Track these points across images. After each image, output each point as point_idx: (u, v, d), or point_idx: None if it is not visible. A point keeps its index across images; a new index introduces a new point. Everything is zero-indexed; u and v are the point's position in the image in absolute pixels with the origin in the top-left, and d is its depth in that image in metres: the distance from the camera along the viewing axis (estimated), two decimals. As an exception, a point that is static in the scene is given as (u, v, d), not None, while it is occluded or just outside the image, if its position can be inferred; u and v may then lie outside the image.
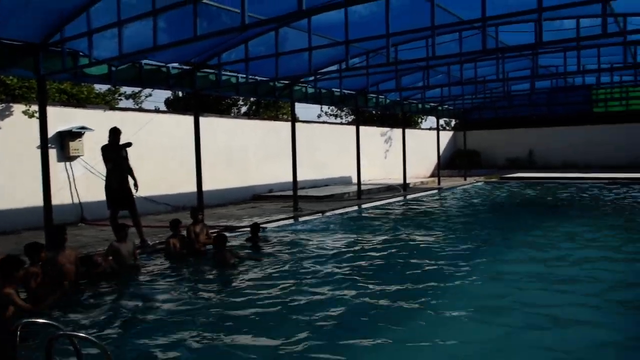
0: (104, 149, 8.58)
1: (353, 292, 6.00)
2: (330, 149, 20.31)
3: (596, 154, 26.93)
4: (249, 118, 19.14)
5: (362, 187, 17.00)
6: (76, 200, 11.72)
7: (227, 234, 8.36)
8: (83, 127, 11.74)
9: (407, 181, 19.44)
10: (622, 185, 18.44)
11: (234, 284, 6.77)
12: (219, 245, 7.67)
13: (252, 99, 25.58)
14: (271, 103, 26.18)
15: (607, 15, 9.23)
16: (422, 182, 22.00)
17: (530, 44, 8.94)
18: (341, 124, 23.59)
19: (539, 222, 11.14)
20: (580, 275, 6.68)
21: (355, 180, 16.57)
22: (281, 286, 6.38)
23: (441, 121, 35.98)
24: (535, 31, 8.18)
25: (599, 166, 26.16)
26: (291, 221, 11.48)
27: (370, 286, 6.27)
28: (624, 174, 21.75)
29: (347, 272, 7.10)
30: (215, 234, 8.47)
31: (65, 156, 11.64)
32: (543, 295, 5.91)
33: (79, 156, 11.84)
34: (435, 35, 8.68)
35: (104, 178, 8.80)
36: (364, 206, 14.27)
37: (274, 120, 19.92)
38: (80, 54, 8.85)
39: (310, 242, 9.29)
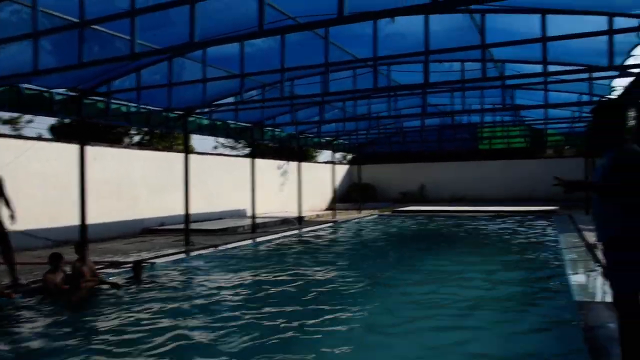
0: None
1: (243, 328, 5.80)
2: (225, 182, 20.01)
3: (482, 188, 28.65)
4: (141, 148, 18.47)
5: (258, 220, 16.82)
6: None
7: (112, 270, 7.87)
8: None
9: (303, 214, 19.52)
10: (504, 217, 19.65)
11: (114, 322, 6.30)
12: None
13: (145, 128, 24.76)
14: (165, 133, 25.50)
15: (487, 61, 9.96)
16: (317, 215, 22.18)
17: (419, 84, 9.37)
18: (237, 156, 23.40)
19: (426, 253, 11.51)
20: (456, 299, 7.00)
21: (250, 213, 16.36)
22: (166, 324, 6.04)
23: (338, 155, 36.88)
24: (424, 72, 8.57)
25: (484, 200, 27.84)
26: (182, 256, 11.05)
27: (263, 321, 6.10)
28: (506, 207, 23.24)
29: (238, 306, 6.89)
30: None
31: None
32: (428, 322, 6.06)
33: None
34: (329, 72, 8.84)
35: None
36: (258, 240, 14.08)
37: (168, 151, 19.35)
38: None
39: (201, 277, 8.96)
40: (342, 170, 31.40)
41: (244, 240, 13.70)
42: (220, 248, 12.17)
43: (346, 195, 29.99)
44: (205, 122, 14.07)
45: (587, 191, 3.85)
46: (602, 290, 7.03)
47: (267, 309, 6.74)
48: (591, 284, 7.60)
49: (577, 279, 7.91)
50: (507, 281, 8.44)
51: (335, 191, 23.77)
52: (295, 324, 6.01)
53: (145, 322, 6.27)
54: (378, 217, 21.50)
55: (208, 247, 12.01)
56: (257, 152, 17.39)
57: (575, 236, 12.83)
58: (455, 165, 29.85)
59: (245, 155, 23.49)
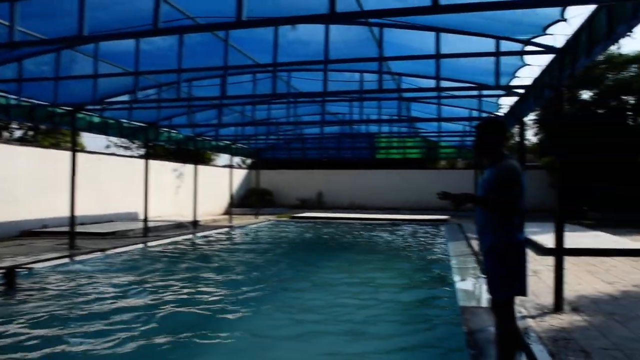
0: None
1: (127, 338, 5.52)
2: (118, 183, 19.13)
3: (379, 196, 29.49)
4: (24, 144, 17.17)
5: (151, 224, 16.21)
6: None
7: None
8: None
9: (198, 218, 19.07)
10: (398, 225, 20.33)
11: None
12: None
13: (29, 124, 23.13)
14: (52, 130, 23.97)
15: (384, 73, 10.26)
16: (213, 220, 21.77)
17: (318, 92, 9.48)
18: (131, 156, 22.45)
19: (320, 260, 11.60)
20: (348, 304, 7.11)
21: (142, 216, 15.73)
22: (40, 334, 5.62)
23: (237, 159, 36.50)
24: (324, 80, 8.68)
25: (381, 208, 28.70)
26: (65, 260, 10.37)
27: (148, 328, 5.85)
28: (401, 215, 24.10)
29: (124, 314, 6.56)
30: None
31: None
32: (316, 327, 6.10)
33: None
34: (227, 75, 8.70)
35: None
36: (150, 244, 13.55)
37: (54, 148, 18.17)
38: None
39: (84, 284, 8.45)
40: (240, 174, 31.11)
41: (135, 244, 13.12)
42: (108, 253, 11.57)
43: (244, 200, 29.74)
44: (97, 119, 13.36)
45: (472, 204, 4.04)
46: (484, 296, 7.45)
47: (153, 317, 6.48)
48: (475, 289, 8.01)
49: (462, 285, 8.32)
50: (397, 286, 8.70)
51: (232, 196, 23.43)
52: (182, 332, 5.82)
53: (17, 334, 5.79)
54: (275, 223, 21.47)
55: (95, 252, 11.38)
56: (153, 153, 16.82)
57: (464, 244, 13.53)
58: (353, 174, 30.54)
59: (140, 156, 22.58)
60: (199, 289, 8.33)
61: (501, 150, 4.12)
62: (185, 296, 7.82)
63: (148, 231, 15.34)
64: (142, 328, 6.01)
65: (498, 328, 4.06)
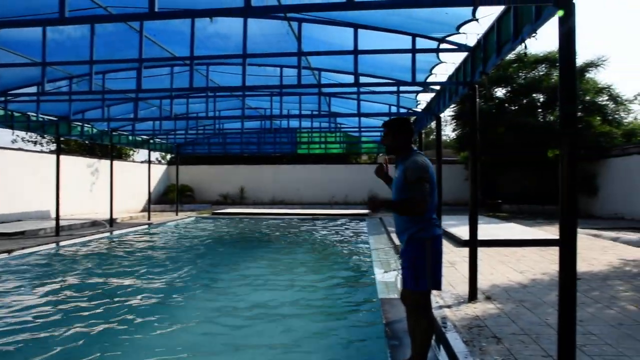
0: None
1: (34, 348, 5.24)
2: (26, 180, 18.11)
3: (301, 191, 29.59)
4: None
5: (63, 223, 15.49)
6: None
7: None
8: None
9: (115, 216, 18.41)
10: (320, 220, 20.49)
11: None
12: None
13: None
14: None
15: (304, 68, 10.28)
16: (131, 217, 21.06)
17: (237, 86, 9.34)
18: (41, 152, 21.28)
19: (240, 256, 11.51)
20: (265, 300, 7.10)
21: (54, 215, 14.97)
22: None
23: (157, 155, 35.50)
24: (242, 75, 8.57)
25: (303, 203, 28.84)
26: (-34, 263, 9.73)
27: (58, 334, 5.58)
28: (323, 210, 24.35)
29: (32, 320, 6.21)
30: None
31: None
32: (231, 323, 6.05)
33: None
34: (142, 68, 8.41)
35: None
36: (62, 243, 12.93)
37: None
38: None
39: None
40: (160, 170, 30.27)
41: (46, 244, 12.49)
42: (15, 254, 10.95)
43: (164, 197, 29.01)
44: (0, 112, 12.57)
45: (385, 208, 4.13)
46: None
47: (65, 321, 6.19)
48: (394, 282, 8.20)
49: (382, 277, 8.52)
50: (318, 280, 8.77)
51: (150, 192, 22.76)
52: (95, 332, 5.59)
53: None
54: (195, 220, 21.08)
55: (0, 253, 10.73)
56: (65, 148, 15.98)
57: (385, 238, 13.84)
58: (275, 169, 30.49)
59: (51, 152, 21.45)
60: (113, 289, 8.03)
61: (408, 146, 4.24)
62: (97, 297, 7.51)
63: (61, 230, 14.64)
64: (52, 333, 5.73)
65: (414, 320, 4.15)
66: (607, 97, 23.26)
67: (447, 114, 27.84)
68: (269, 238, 15.29)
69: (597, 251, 10.49)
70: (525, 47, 5.43)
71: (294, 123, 20.29)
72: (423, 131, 12.72)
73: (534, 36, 5.12)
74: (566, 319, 3.60)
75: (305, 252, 12.14)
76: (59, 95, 11.71)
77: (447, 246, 11.28)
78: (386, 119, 16.36)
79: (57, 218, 14.51)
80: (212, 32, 9.42)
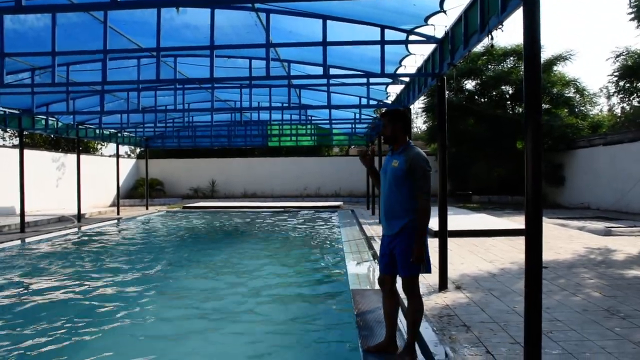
0: None
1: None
2: (-12, 175, 17.65)
3: (273, 184, 29.44)
4: None
5: (28, 219, 15.14)
6: None
7: None
8: None
9: (83, 211, 18.07)
10: (292, 212, 20.45)
11: None
12: None
13: None
14: None
15: (273, 60, 10.18)
16: (99, 213, 20.70)
17: (205, 78, 9.20)
18: (4, 146, 20.71)
19: (211, 250, 11.40)
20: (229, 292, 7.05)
21: (18, 211, 14.60)
22: None
23: (126, 148, 34.96)
24: (210, 66, 8.44)
25: (275, 195, 28.72)
26: None
27: (22, 332, 5.44)
28: (295, 202, 24.33)
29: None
30: None
31: None
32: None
33: None
34: (108, 60, 8.22)
35: None
36: (27, 240, 12.64)
37: None
38: None
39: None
40: (129, 164, 29.78)
41: (10, 241, 12.19)
42: (-24, 251, 10.66)
43: (134, 191, 28.57)
44: (-42, 106, 12.21)
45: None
46: (374, 278, 7.70)
47: (30, 320, 6.04)
48: (366, 273, 8.22)
49: (353, 268, 8.53)
50: (291, 273, 8.75)
51: (118, 187, 22.39)
52: (65, 333, 5.47)
53: None
54: (166, 214, 20.83)
55: (-39, 251, 10.44)
56: (30, 143, 15.56)
57: (356, 229, 13.86)
58: (246, 162, 30.27)
59: (13, 146, 20.89)
60: (82, 287, 7.86)
61: (406, 137, 4.32)
62: (65, 296, 7.35)
63: (26, 226, 14.30)
64: (16, 333, 5.59)
65: (409, 302, 4.28)
66: (574, 90, 23.71)
67: (418, 106, 28.04)
68: (239, 232, 15.19)
69: (563, 240, 10.70)
70: (492, 38, 5.46)
71: (265, 116, 20.16)
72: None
73: (500, 28, 5.16)
74: (532, 306, 3.64)
75: (276, 244, 12.06)
76: (21, 88, 11.41)
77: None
78: (356, 111, 16.47)
79: (22, 214, 14.15)
80: (180, 23, 9.25)
